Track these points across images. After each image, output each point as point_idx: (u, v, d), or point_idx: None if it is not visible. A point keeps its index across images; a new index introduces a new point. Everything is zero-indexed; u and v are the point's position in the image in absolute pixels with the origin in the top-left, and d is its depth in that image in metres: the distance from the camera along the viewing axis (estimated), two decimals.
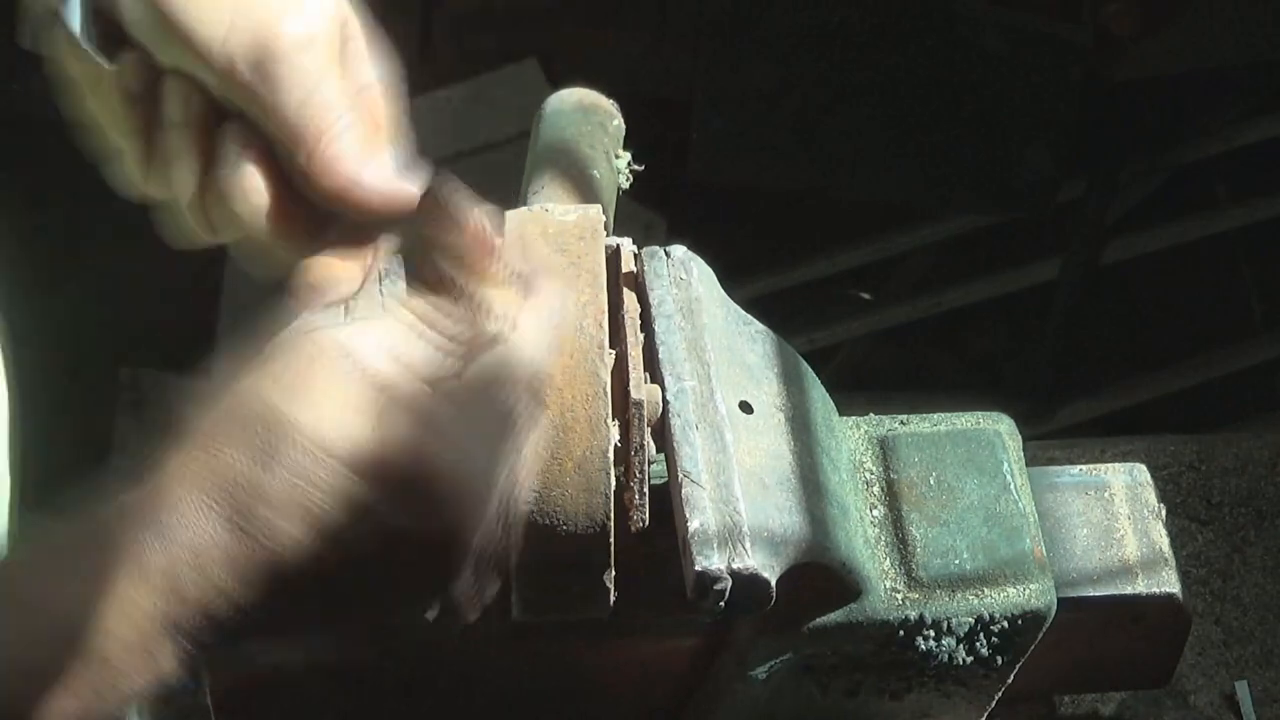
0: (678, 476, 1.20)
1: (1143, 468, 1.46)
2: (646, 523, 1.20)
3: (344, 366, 0.94)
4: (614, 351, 1.18)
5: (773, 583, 1.18)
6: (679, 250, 1.31)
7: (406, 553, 0.94)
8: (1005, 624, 1.30)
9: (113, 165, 1.07)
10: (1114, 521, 1.42)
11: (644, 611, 1.24)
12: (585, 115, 1.52)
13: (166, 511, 0.90)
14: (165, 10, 1.01)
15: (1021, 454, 1.37)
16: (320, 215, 1.05)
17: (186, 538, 0.90)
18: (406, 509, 0.93)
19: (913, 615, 1.28)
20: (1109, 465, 1.46)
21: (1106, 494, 1.44)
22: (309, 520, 0.91)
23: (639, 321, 1.24)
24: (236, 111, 1.04)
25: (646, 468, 1.19)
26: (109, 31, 1.03)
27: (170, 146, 1.04)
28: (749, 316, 1.33)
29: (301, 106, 1.02)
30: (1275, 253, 3.21)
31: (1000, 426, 1.38)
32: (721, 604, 1.18)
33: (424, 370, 0.97)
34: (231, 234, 1.05)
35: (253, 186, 1.03)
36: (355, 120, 1.04)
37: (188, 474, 0.91)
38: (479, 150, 3.15)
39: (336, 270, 1.03)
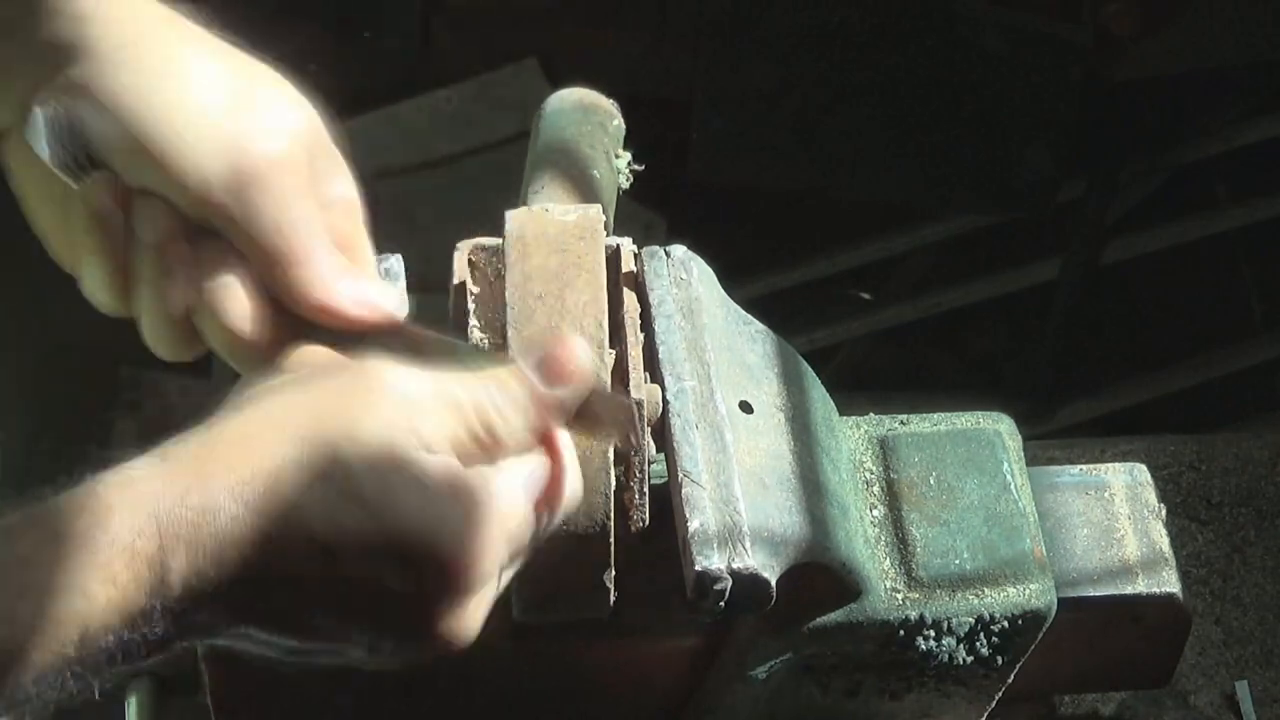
0: (678, 476, 1.20)
1: (1143, 468, 1.46)
2: (646, 523, 1.20)
3: (397, 416, 0.96)
4: (614, 351, 1.18)
5: (773, 583, 1.18)
6: (679, 250, 1.31)
7: (390, 606, 0.96)
8: (1005, 624, 1.30)
9: (81, 280, 1.07)
10: (1114, 521, 1.42)
11: (644, 611, 1.24)
12: (585, 115, 1.52)
13: (182, 506, 0.90)
14: (139, 133, 1.01)
15: (1021, 454, 1.37)
16: (302, 321, 1.06)
17: (200, 536, 0.90)
18: (406, 577, 0.95)
19: (913, 615, 1.28)
20: (1109, 465, 1.46)
21: (1106, 494, 1.44)
22: (324, 555, 0.93)
23: (639, 321, 1.24)
24: (210, 229, 1.04)
25: (646, 468, 1.19)
26: (75, 149, 1.03)
27: (144, 266, 1.04)
28: (749, 316, 1.33)
29: (276, 227, 1.03)
30: (1275, 253, 3.21)
31: (1000, 426, 1.38)
32: (721, 604, 1.18)
33: (453, 445, 0.98)
34: (216, 344, 1.06)
35: (236, 299, 1.04)
36: (326, 240, 1.06)
37: (218, 472, 0.92)
38: (479, 150, 3.15)
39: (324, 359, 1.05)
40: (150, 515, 0.89)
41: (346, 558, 0.93)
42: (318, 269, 1.05)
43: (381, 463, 0.94)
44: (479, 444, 0.99)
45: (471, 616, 0.99)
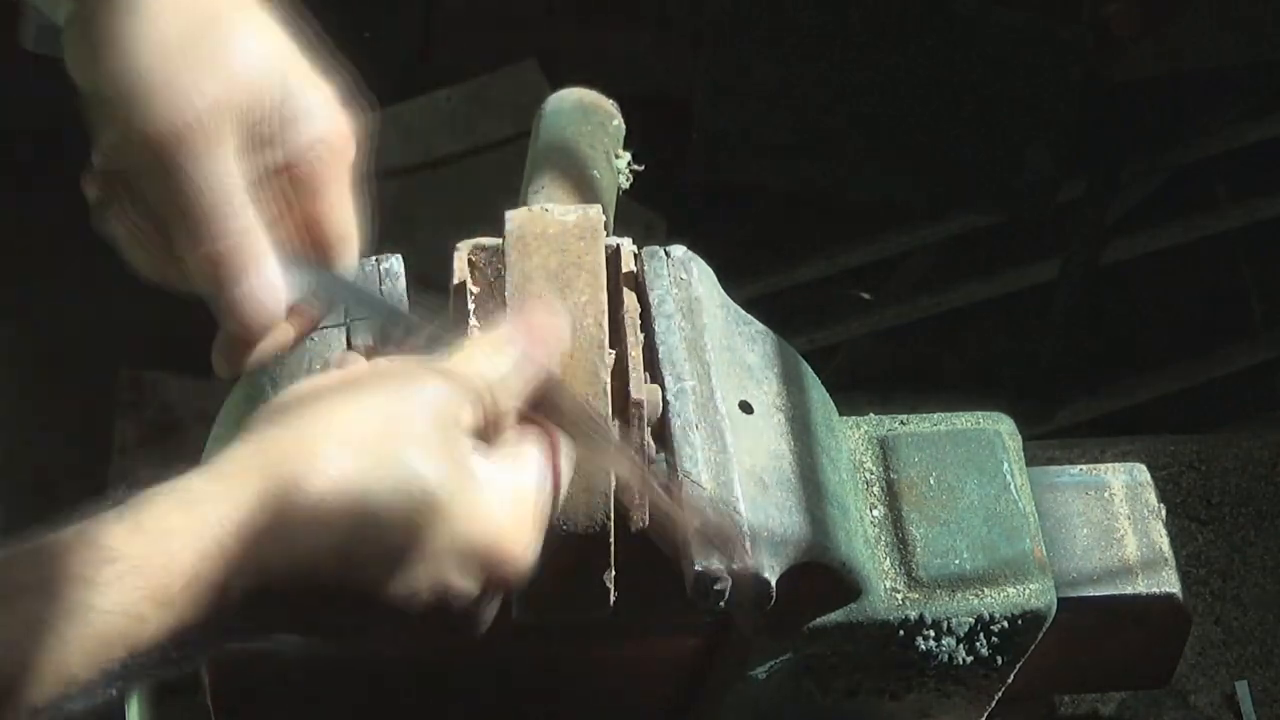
0: (678, 476, 1.20)
1: (1143, 468, 1.46)
2: (647, 523, 1.20)
3: (438, 412, 0.96)
4: (614, 351, 1.18)
5: (773, 583, 1.18)
6: (679, 250, 1.31)
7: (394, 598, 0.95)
8: (1005, 624, 1.30)
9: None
10: (1114, 521, 1.42)
11: (644, 611, 1.24)
12: (585, 115, 1.52)
13: (253, 511, 0.90)
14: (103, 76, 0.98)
15: (1021, 454, 1.37)
16: None
17: (275, 544, 0.90)
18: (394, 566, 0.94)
19: (913, 615, 1.28)
20: (1109, 465, 1.46)
21: (1106, 494, 1.44)
22: (393, 558, 0.93)
23: (639, 321, 1.24)
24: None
25: (647, 468, 1.19)
26: None
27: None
28: (749, 316, 1.33)
29: (198, 197, 0.99)
30: (1275, 253, 3.21)
31: (1000, 426, 1.38)
32: (721, 604, 1.18)
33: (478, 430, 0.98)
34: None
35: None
36: (251, 220, 1.01)
37: (279, 485, 0.91)
38: (479, 150, 3.15)
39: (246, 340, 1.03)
40: (216, 539, 0.88)
41: (418, 561, 0.93)
42: (231, 267, 1.01)
43: (439, 465, 0.94)
44: (490, 421, 0.99)
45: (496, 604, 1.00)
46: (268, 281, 1.02)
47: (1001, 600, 1.30)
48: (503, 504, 0.97)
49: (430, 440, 0.94)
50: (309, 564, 0.90)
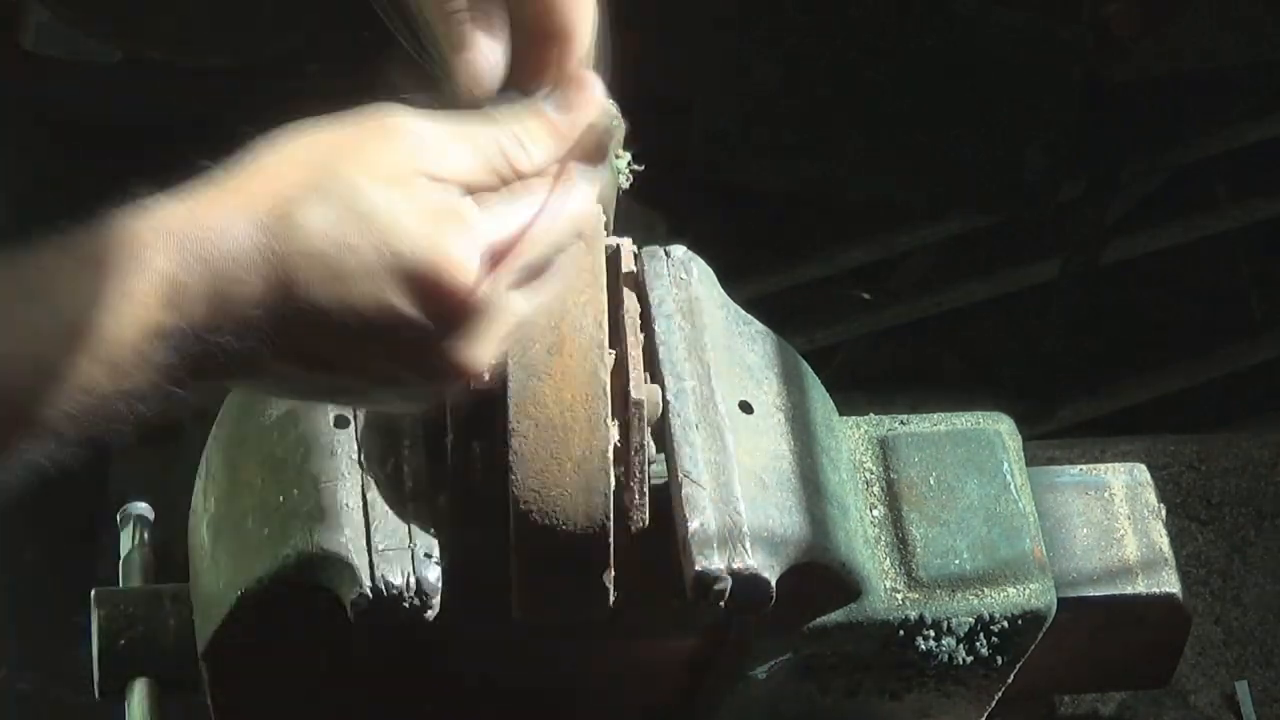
0: (678, 476, 1.20)
1: (1143, 468, 1.46)
2: (646, 523, 1.20)
3: (409, 150, 0.99)
4: (614, 351, 1.18)
5: (773, 583, 1.18)
6: (679, 250, 1.31)
7: (399, 336, 0.98)
8: (1005, 624, 1.30)
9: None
10: (1114, 521, 1.42)
11: (644, 611, 1.24)
12: None
13: (199, 228, 0.93)
14: None
15: (1021, 454, 1.37)
16: None
17: (215, 254, 0.93)
18: (408, 299, 0.97)
19: (913, 615, 1.28)
20: (1109, 465, 1.46)
21: (1106, 494, 1.44)
22: (331, 274, 0.95)
23: (639, 321, 1.24)
24: None
25: (646, 468, 1.19)
26: None
27: None
28: (749, 316, 1.33)
29: None
30: (1275, 253, 3.21)
31: (1000, 426, 1.38)
32: (721, 604, 1.18)
33: (469, 181, 1.01)
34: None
35: None
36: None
37: (235, 199, 0.95)
38: None
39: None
40: (172, 235, 0.92)
41: (354, 278, 0.96)
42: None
43: (387, 189, 0.97)
44: (500, 178, 1.02)
45: (482, 343, 1.01)
46: (486, 55, 1.07)
47: (1001, 600, 1.30)
48: (446, 235, 0.98)
49: (374, 163, 0.98)
50: (246, 264, 0.94)
